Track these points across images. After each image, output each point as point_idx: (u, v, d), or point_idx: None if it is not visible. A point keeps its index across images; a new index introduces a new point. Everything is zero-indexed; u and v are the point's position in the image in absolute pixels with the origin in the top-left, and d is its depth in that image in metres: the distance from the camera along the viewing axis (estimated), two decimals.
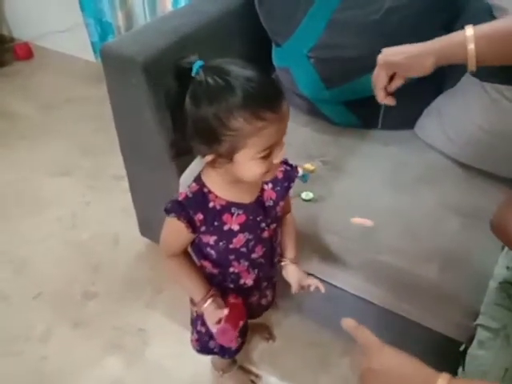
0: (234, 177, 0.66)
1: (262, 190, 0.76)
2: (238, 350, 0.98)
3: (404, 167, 1.13)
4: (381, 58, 0.83)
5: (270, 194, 0.77)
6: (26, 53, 2.57)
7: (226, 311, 0.75)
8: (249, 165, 0.62)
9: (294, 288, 0.85)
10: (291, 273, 0.86)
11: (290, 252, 0.88)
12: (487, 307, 0.80)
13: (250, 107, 0.57)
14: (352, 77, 1.15)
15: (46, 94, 2.31)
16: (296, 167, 0.83)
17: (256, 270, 0.82)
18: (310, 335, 1.25)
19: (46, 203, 1.68)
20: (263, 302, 0.94)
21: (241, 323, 0.78)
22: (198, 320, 0.91)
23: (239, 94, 0.57)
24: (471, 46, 0.72)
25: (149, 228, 1.43)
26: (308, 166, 1.09)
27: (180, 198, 0.71)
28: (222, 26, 1.22)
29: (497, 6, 1.03)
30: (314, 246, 1.01)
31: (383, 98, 0.87)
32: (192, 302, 0.88)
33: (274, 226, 0.79)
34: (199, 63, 0.61)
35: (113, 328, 1.28)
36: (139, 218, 1.43)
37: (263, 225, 0.76)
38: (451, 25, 1.17)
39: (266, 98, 0.59)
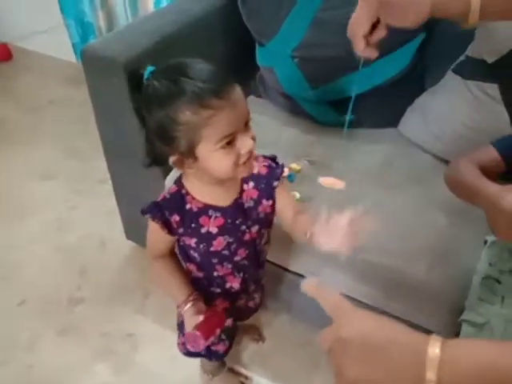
0: (209, 177, 0.66)
1: (242, 191, 0.75)
2: (225, 352, 0.97)
3: (390, 165, 1.14)
4: None
5: (250, 193, 0.76)
6: (5, 54, 2.51)
7: (200, 317, 0.74)
8: (213, 158, 0.62)
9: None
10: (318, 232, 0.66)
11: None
12: (471, 303, 0.81)
13: (194, 98, 0.58)
14: (336, 76, 1.15)
15: (28, 95, 2.26)
16: (282, 165, 0.81)
17: (241, 273, 0.81)
18: (300, 335, 1.25)
19: (31, 207, 1.64)
20: (251, 304, 0.94)
21: (217, 332, 0.75)
22: (183, 323, 0.90)
23: (183, 89, 0.58)
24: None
25: (134, 231, 1.41)
26: (294, 165, 1.09)
27: (158, 199, 0.71)
28: (206, 25, 1.20)
29: None
30: (302, 246, 1.01)
31: (363, 48, 0.70)
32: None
33: (256, 228, 0.78)
34: (150, 69, 0.62)
35: (101, 334, 1.27)
36: (124, 222, 1.41)
37: (243, 227, 0.75)
38: (432, 25, 1.18)
39: (210, 87, 0.58)
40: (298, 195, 1.02)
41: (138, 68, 0.63)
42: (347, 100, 1.22)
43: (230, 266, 0.79)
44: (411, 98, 1.25)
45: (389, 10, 0.64)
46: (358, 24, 0.68)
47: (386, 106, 1.24)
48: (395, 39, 1.12)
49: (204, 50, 1.19)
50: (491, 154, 0.82)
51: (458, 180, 0.82)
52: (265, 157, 0.80)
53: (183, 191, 0.71)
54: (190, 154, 0.62)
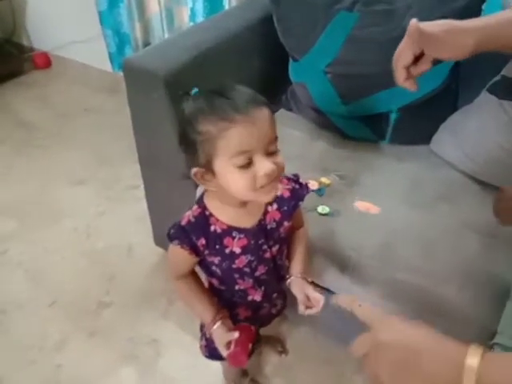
0: (230, 197, 0.66)
1: (266, 212, 0.75)
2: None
3: (420, 184, 1.13)
4: (413, 24, 0.65)
5: (273, 215, 0.76)
6: (45, 62, 2.63)
7: (236, 334, 0.74)
8: (229, 175, 0.62)
9: (301, 300, 0.79)
10: (296, 286, 0.81)
11: (295, 267, 0.84)
12: (504, 327, 0.80)
13: (216, 109, 0.60)
14: (368, 92, 1.16)
15: (64, 103, 2.36)
16: (306, 185, 0.81)
17: (262, 287, 0.82)
18: (323, 350, 1.25)
19: (62, 213, 1.70)
20: (273, 311, 0.94)
21: (250, 346, 0.76)
22: (204, 325, 0.92)
23: (212, 104, 0.60)
24: None
25: (164, 238, 1.43)
26: (324, 179, 1.10)
27: (183, 223, 0.70)
28: (242, 41, 1.24)
29: None
30: (330, 261, 1.01)
31: (403, 80, 0.70)
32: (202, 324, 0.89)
33: (276, 247, 0.78)
34: (195, 91, 0.65)
35: (127, 338, 1.29)
36: (154, 228, 1.44)
37: (265, 247, 0.76)
38: None
39: (232, 101, 0.60)
40: (327, 209, 1.03)
41: (186, 89, 0.66)
42: (379, 116, 1.24)
43: (250, 280, 0.80)
44: (444, 117, 1.24)
45: (431, 42, 0.64)
46: (401, 55, 0.68)
47: (418, 124, 1.24)
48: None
49: (239, 66, 1.24)
50: None
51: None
52: (288, 178, 0.80)
53: (207, 212, 0.71)
54: (209, 167, 0.63)
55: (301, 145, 1.25)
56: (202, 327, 0.95)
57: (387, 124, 1.24)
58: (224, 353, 0.76)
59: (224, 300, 0.83)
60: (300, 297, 0.78)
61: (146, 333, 1.31)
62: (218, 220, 0.71)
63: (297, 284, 0.81)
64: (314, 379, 1.21)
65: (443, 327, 0.93)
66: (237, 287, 0.80)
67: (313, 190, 1.08)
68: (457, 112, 1.22)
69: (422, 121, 1.25)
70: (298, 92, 1.31)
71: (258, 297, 0.82)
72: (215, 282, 0.82)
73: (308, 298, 0.78)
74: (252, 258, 0.75)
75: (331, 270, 1.02)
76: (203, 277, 0.84)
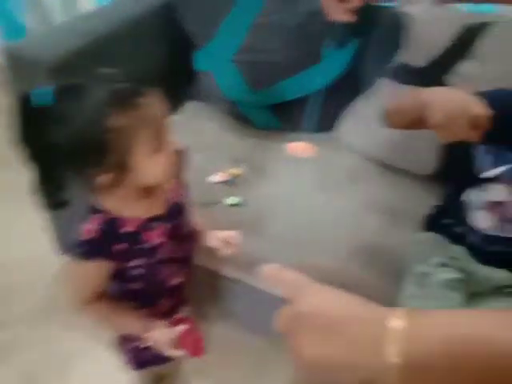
0: (137, 189, 0.62)
1: (168, 190, 0.72)
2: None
3: (327, 169, 1.16)
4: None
5: (175, 188, 0.73)
6: None
7: (181, 327, 0.70)
8: (149, 164, 0.59)
9: (219, 246, 0.78)
10: (209, 239, 0.80)
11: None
12: (406, 300, 0.83)
13: (120, 99, 0.55)
14: (277, 80, 1.16)
15: None
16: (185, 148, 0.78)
17: (184, 268, 0.78)
18: (243, 342, 1.23)
19: None
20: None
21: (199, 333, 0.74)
22: (125, 339, 0.85)
23: (101, 94, 0.55)
24: None
25: (66, 246, 1.33)
26: (234, 170, 1.08)
27: (87, 237, 0.63)
28: (142, 27, 1.17)
29: (406, 13, 1.09)
30: (239, 251, 0.99)
31: (340, 13, 0.72)
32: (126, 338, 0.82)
33: (186, 218, 0.76)
34: (44, 91, 0.56)
35: (33, 354, 1.18)
36: (55, 236, 1.33)
37: (182, 224, 0.73)
38: (365, 32, 1.22)
39: (130, 86, 0.57)
40: (236, 199, 1.01)
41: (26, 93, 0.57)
42: (286, 104, 1.25)
43: (174, 265, 0.75)
44: (347, 102, 1.29)
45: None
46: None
47: (323, 111, 1.26)
48: (329, 46, 1.16)
49: (140, 52, 1.17)
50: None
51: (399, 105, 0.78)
52: None
53: (111, 217, 0.65)
54: (123, 166, 0.58)
55: (211, 136, 1.22)
56: (121, 343, 0.87)
57: (296, 112, 1.25)
58: (173, 351, 0.70)
59: (144, 299, 0.77)
60: (217, 243, 0.79)
61: (54, 346, 1.20)
62: (127, 220, 0.65)
63: (208, 236, 0.80)
64: (236, 374, 1.19)
65: None
66: (161, 277, 0.75)
67: (223, 181, 1.06)
68: (358, 98, 1.26)
69: (329, 107, 1.28)
70: (204, 82, 1.28)
71: (179, 279, 0.78)
72: (137, 285, 0.74)
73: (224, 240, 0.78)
74: (174, 242, 0.72)
75: (240, 260, 1.00)
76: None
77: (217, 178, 1.06)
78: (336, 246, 0.96)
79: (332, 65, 1.16)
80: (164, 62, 1.26)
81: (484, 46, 0.98)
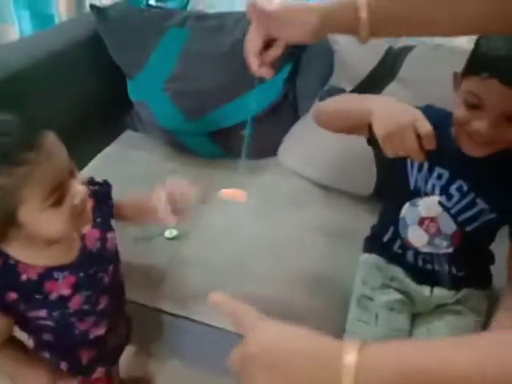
0: (39, 239, 0.57)
1: (83, 237, 0.67)
2: None
3: (271, 195, 1.14)
4: (251, 4, 0.59)
5: (92, 234, 0.68)
6: None
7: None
8: (43, 219, 0.54)
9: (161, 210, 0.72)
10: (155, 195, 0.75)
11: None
12: (350, 324, 0.82)
13: (3, 157, 0.50)
14: (211, 108, 1.15)
15: None
16: (105, 182, 0.74)
17: (106, 319, 0.72)
18: (195, 380, 1.17)
19: None
20: (118, 341, 0.83)
21: None
22: None
23: None
24: (363, 14, 0.53)
25: None
26: None
27: None
28: (69, 58, 1.13)
29: (332, 37, 1.12)
30: (182, 287, 0.95)
31: (257, 67, 0.64)
32: None
33: (111, 267, 0.71)
34: None
35: None
36: None
37: (100, 274, 0.68)
38: (298, 56, 1.25)
39: (17, 140, 0.52)
40: (174, 232, 0.97)
41: None
42: (226, 131, 1.23)
43: (92, 318, 0.70)
44: (288, 126, 1.29)
45: (273, 22, 0.58)
46: (250, 42, 0.63)
47: (263, 137, 1.26)
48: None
49: (65, 87, 1.12)
50: None
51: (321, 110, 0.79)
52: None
53: (11, 261, 0.59)
54: (11, 222, 0.53)
55: (149, 166, 1.18)
56: None
57: (236, 139, 1.24)
58: None
59: (59, 351, 0.71)
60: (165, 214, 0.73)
61: None
62: (29, 266, 0.60)
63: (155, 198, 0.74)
64: None
65: None
66: (76, 331, 0.69)
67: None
68: (297, 122, 1.27)
69: (268, 133, 1.28)
70: (140, 111, 1.24)
71: (101, 331, 0.72)
72: (48, 336, 0.69)
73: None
74: (89, 293, 0.66)
75: (184, 296, 0.96)
76: (24, 336, 0.70)
77: None
78: (281, 274, 0.93)
79: (266, 90, 1.17)
80: (97, 92, 1.21)
81: (406, 69, 1.01)
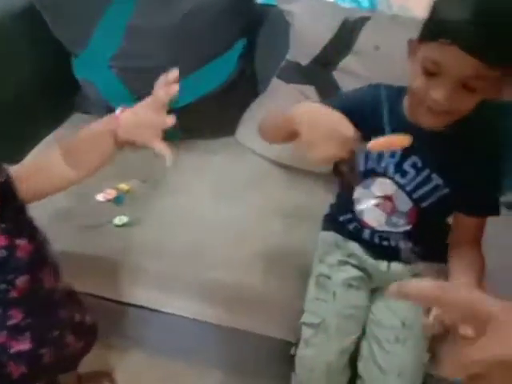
0: None
1: None
2: None
3: (229, 176, 1.10)
4: None
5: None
6: None
7: None
8: None
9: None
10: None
11: None
12: (308, 303, 0.80)
13: None
14: None
15: None
16: (5, 173, 0.60)
17: (27, 332, 0.66)
18: (159, 370, 1.14)
19: None
20: (66, 352, 0.77)
21: None
22: None
23: None
24: None
25: None
26: (122, 185, 0.99)
27: None
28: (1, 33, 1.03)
29: (287, 10, 1.07)
30: (138, 276, 0.90)
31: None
32: None
33: (25, 277, 0.61)
34: None
35: None
36: None
37: (3, 286, 0.60)
38: (253, 31, 1.20)
39: None
40: (125, 219, 0.92)
41: None
42: (179, 111, 1.17)
43: (4, 332, 0.63)
44: (246, 105, 1.25)
45: None
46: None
47: (220, 115, 1.21)
48: (216, 46, 1.11)
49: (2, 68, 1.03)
50: None
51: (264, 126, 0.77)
52: None
53: None
54: None
55: None
56: None
57: (192, 119, 1.19)
58: None
59: None
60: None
61: None
62: None
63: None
64: None
65: (258, 317, 0.92)
66: None
67: (108, 200, 0.96)
68: (255, 100, 1.23)
69: (225, 111, 1.23)
70: (87, 91, 1.17)
71: (24, 346, 0.66)
72: None
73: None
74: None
75: (139, 286, 0.92)
76: None
77: (102, 196, 0.96)
78: (240, 257, 0.90)
79: (220, 66, 1.12)
80: (39, 71, 1.13)
81: (362, 41, 0.98)
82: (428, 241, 0.77)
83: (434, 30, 0.60)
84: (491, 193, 0.72)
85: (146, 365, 1.15)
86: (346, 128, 0.59)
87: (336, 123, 0.59)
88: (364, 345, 0.77)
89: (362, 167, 0.74)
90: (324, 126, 0.59)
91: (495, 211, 0.72)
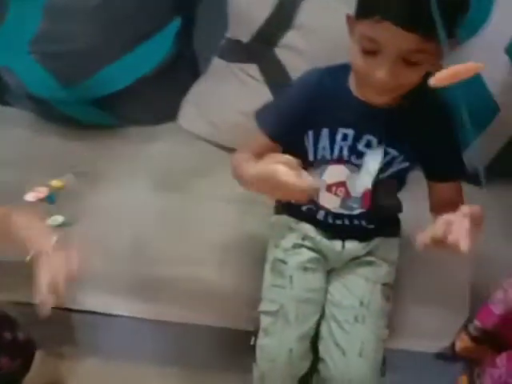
0: None
1: None
2: None
3: (172, 164, 1.03)
4: None
5: None
6: None
7: None
8: None
9: None
10: None
11: None
12: (265, 291, 0.78)
13: None
14: (90, 71, 0.99)
15: None
16: None
17: None
18: (115, 376, 1.07)
19: None
20: (4, 373, 0.70)
21: None
22: None
23: None
24: None
25: None
26: (54, 182, 0.90)
27: None
28: None
29: None
30: (78, 280, 0.83)
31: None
32: None
33: None
34: None
35: None
36: None
37: None
38: (188, 9, 1.12)
39: None
40: (60, 219, 0.83)
41: None
42: (114, 97, 1.08)
43: None
44: (187, 88, 1.17)
45: None
46: None
47: (158, 99, 1.14)
48: (146, 26, 1.03)
49: None
50: (260, 140, 0.75)
51: (233, 168, 0.75)
52: None
53: None
54: None
55: (23, 145, 1.01)
56: None
57: (128, 104, 1.10)
58: None
59: None
60: None
61: None
62: None
63: None
64: None
65: (215, 310, 0.89)
66: None
67: (40, 199, 0.87)
68: (196, 82, 1.16)
69: (164, 95, 1.15)
70: (6, 79, 1.04)
71: None
72: None
73: None
74: None
75: (82, 290, 0.85)
76: None
77: (33, 195, 0.87)
78: (189, 251, 0.86)
79: (153, 47, 1.03)
80: None
81: (303, 15, 0.94)
82: (382, 218, 0.77)
83: (365, 7, 0.58)
84: (455, 155, 0.72)
85: (101, 372, 1.08)
86: (284, 157, 0.58)
87: (281, 175, 0.56)
88: (323, 326, 0.76)
89: (311, 157, 0.72)
90: (270, 181, 0.58)
91: (463, 173, 0.72)
